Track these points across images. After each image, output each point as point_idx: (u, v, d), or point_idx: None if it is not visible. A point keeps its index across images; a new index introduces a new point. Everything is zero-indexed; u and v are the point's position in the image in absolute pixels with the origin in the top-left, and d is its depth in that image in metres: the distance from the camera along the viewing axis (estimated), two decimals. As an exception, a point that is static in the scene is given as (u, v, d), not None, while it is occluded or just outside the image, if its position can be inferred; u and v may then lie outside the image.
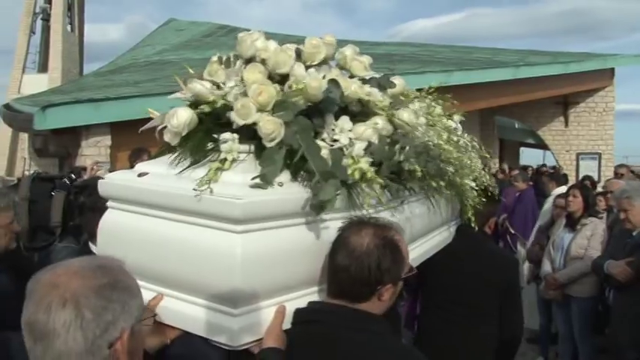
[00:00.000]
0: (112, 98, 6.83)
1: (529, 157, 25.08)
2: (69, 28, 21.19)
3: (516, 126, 19.08)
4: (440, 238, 2.49)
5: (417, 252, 2.16)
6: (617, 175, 8.10)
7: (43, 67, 20.99)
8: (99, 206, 2.46)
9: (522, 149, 24.58)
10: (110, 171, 4.88)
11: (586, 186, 5.69)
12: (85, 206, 2.77)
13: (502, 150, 19.84)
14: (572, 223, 5.14)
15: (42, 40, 21.47)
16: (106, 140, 6.74)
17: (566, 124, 16.56)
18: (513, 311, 2.96)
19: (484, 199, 2.58)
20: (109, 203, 1.68)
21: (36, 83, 17.69)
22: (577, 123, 16.49)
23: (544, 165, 17.61)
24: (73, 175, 4.13)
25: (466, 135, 2.64)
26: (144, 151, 5.53)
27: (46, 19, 20.95)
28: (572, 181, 15.19)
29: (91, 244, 2.66)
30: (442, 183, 1.99)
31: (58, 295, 1.08)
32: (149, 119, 1.78)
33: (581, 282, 4.92)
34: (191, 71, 1.76)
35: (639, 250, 3.94)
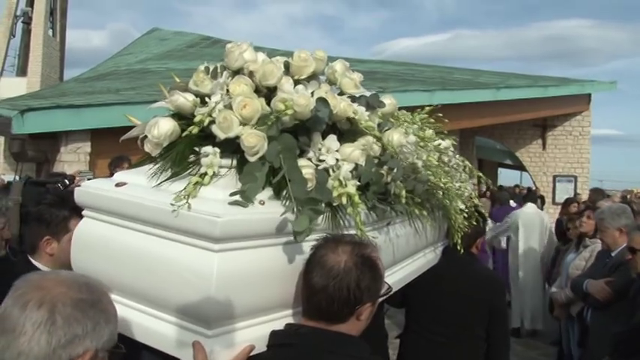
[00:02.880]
0: (93, 105, 6.79)
1: (507, 177, 25.38)
2: (50, 32, 20.97)
3: (497, 147, 19.30)
4: (424, 260, 2.45)
5: (401, 274, 2.11)
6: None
7: (21, 71, 20.73)
8: (45, 217, 2.31)
9: (500, 170, 24.85)
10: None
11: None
12: (30, 216, 2.53)
13: (480, 170, 19.95)
14: (578, 244, 5.27)
15: (22, 43, 21.22)
16: (86, 147, 6.68)
17: (544, 146, 16.81)
18: (499, 332, 2.96)
19: (474, 222, 2.56)
20: (84, 212, 1.61)
21: (14, 87, 17.41)
22: (554, 146, 16.76)
23: (517, 185, 17.82)
24: (66, 181, 4.04)
25: (457, 156, 2.61)
26: (124, 159, 5.44)
27: (27, 23, 20.71)
28: (548, 202, 15.46)
29: (32, 259, 2.35)
30: (425, 212, 1.94)
31: (39, 297, 1.11)
32: (130, 127, 1.71)
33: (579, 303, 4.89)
34: (177, 79, 1.70)
35: (618, 271, 3.94)
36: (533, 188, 16.19)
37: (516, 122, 15.51)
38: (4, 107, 6.71)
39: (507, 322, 3.10)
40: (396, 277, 2.05)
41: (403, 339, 3.10)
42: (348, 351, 1.46)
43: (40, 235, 2.31)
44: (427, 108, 2.57)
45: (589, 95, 16.42)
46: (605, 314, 3.95)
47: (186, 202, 1.33)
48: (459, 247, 2.49)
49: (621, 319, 3.58)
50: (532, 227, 7.43)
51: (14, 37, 21.13)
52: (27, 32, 20.81)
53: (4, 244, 3.10)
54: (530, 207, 7.72)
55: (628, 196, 13.98)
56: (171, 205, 1.33)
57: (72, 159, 6.62)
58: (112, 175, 5.66)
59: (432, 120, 2.57)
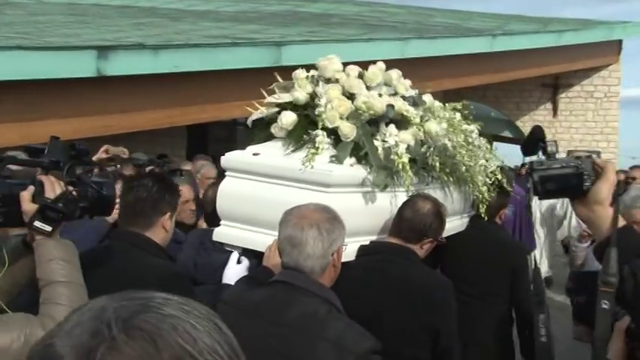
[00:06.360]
0: None
1: (505, 154, 26.88)
2: None
3: (492, 114, 20.55)
4: (450, 225, 4.17)
5: None
6: (629, 180, 9.16)
7: None
8: (167, 197, 3.81)
9: (496, 144, 26.63)
10: None
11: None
12: (145, 195, 3.58)
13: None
14: None
15: None
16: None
17: (555, 113, 17.99)
18: (522, 292, 4.71)
19: (497, 193, 4.44)
20: (227, 173, 3.66)
21: None
22: (569, 112, 17.89)
23: (524, 165, 19.08)
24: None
25: (481, 137, 4.62)
26: None
27: None
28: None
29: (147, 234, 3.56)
30: (451, 179, 4.01)
31: (307, 221, 2.81)
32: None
33: None
34: (280, 79, 3.82)
35: None
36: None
37: (518, 81, 16.59)
38: None
39: (528, 281, 4.60)
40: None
41: None
42: (412, 258, 3.61)
43: (160, 212, 3.55)
44: (459, 105, 4.51)
45: (619, 42, 17.67)
46: None
47: (310, 164, 3.38)
48: (482, 216, 4.31)
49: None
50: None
51: None
52: None
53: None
54: None
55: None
56: (302, 165, 3.36)
57: None
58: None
59: (459, 107, 4.52)
